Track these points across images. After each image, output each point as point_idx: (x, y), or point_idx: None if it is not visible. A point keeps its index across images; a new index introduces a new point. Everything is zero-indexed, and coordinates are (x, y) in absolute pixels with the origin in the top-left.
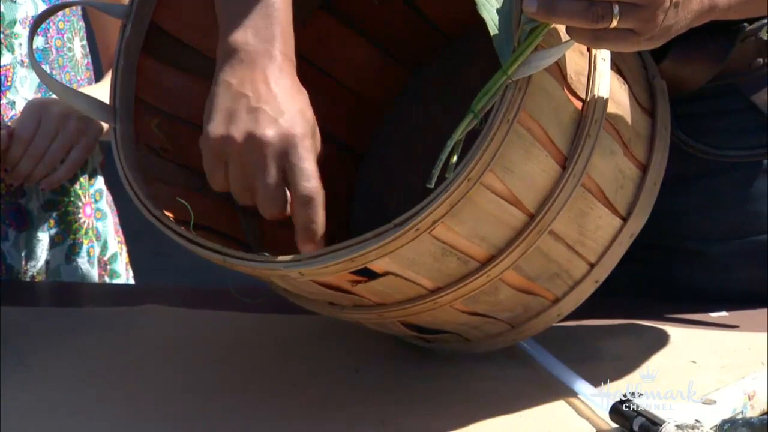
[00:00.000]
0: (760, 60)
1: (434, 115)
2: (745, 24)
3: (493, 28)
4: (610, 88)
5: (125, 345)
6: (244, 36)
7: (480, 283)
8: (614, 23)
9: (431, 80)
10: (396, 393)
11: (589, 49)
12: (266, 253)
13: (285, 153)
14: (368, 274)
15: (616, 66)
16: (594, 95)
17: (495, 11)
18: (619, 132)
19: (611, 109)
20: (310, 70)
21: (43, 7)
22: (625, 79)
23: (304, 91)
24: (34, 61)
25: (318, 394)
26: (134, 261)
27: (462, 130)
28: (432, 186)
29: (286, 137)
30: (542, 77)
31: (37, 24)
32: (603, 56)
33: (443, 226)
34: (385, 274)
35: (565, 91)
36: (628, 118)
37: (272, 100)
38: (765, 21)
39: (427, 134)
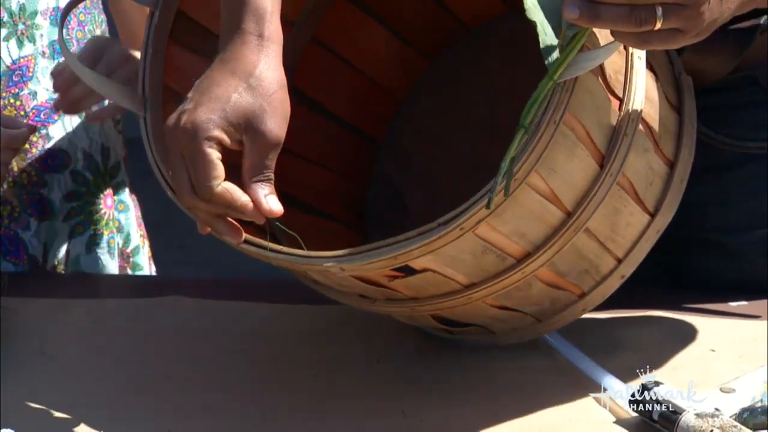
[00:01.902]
0: None
1: (451, 104)
2: (766, 16)
3: (542, 33)
4: (646, 87)
5: (147, 335)
6: None
7: (515, 280)
8: (659, 25)
9: (449, 69)
10: (417, 384)
11: (625, 47)
12: (297, 237)
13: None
14: (407, 271)
15: (649, 63)
16: (631, 94)
17: (543, 16)
18: (651, 129)
19: (645, 107)
20: (329, 56)
21: None
22: (656, 76)
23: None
24: (64, 47)
25: (339, 385)
26: (155, 253)
27: (516, 146)
28: (490, 209)
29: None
30: (585, 76)
31: (66, 12)
32: (639, 54)
33: (487, 225)
34: (424, 270)
35: (605, 90)
36: (660, 116)
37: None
38: None
39: (443, 123)
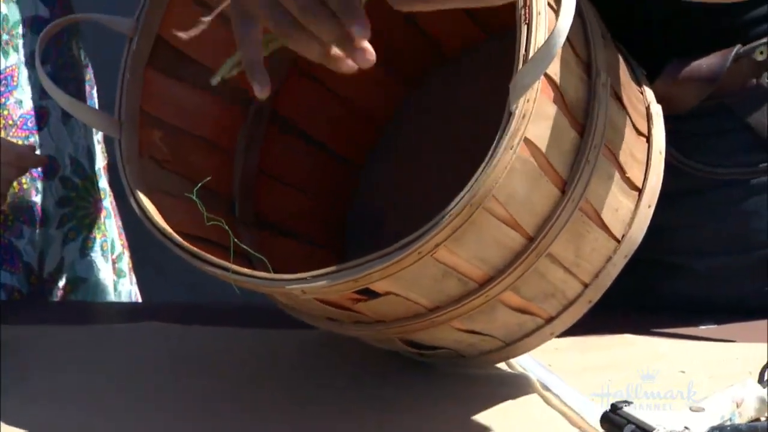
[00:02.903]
0: (754, 80)
1: (432, 131)
2: (739, 45)
3: None
4: (609, 114)
5: (124, 361)
6: None
7: (478, 303)
8: None
9: (429, 95)
10: (392, 404)
11: (588, 74)
12: (265, 259)
13: None
14: (369, 294)
15: (614, 91)
16: (593, 121)
17: None
18: (617, 156)
19: (609, 134)
20: (311, 84)
21: (43, 8)
22: (623, 104)
23: None
24: (42, 74)
25: (316, 405)
26: (141, 276)
27: None
28: None
29: None
30: (544, 103)
31: (43, 39)
32: (603, 82)
33: (445, 249)
34: (386, 294)
35: (566, 117)
36: (625, 143)
37: None
38: (758, 42)
39: (425, 149)
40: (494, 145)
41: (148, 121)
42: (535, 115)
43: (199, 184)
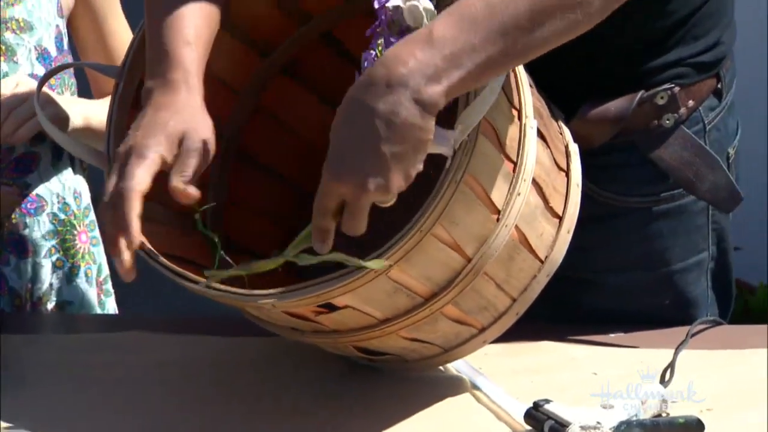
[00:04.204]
0: (656, 121)
1: None
2: (642, 90)
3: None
4: (537, 152)
5: (112, 367)
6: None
7: (423, 316)
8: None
9: None
10: (343, 404)
11: (519, 118)
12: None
13: None
14: (330, 307)
15: (540, 132)
16: (524, 158)
17: None
18: (542, 189)
19: (536, 169)
20: (272, 122)
21: (39, 66)
22: (546, 143)
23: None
24: (41, 113)
25: (277, 406)
26: (120, 293)
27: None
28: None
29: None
30: (484, 144)
31: (42, 82)
32: (531, 125)
33: (398, 269)
34: (345, 307)
35: (501, 155)
36: (549, 177)
37: None
38: (659, 88)
39: None
40: (441, 178)
41: None
42: (475, 152)
43: (198, 214)
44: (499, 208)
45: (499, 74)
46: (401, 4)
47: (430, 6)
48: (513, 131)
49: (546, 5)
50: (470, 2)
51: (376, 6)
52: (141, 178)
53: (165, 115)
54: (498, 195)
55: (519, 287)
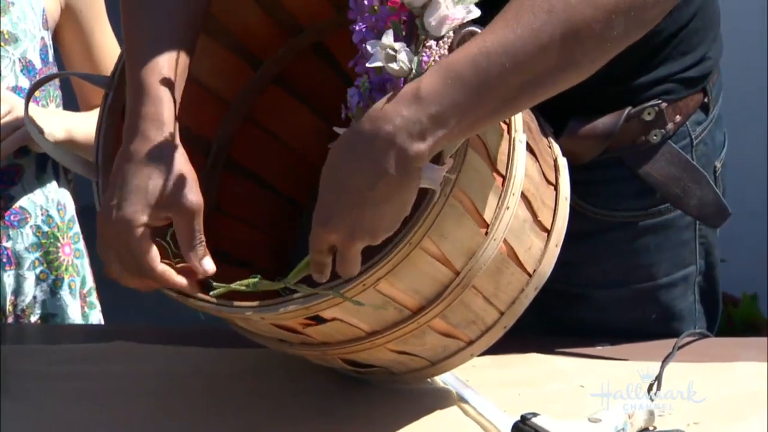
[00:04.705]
0: (643, 137)
1: None
2: (630, 107)
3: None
4: (525, 167)
5: (96, 378)
6: None
7: (411, 329)
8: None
9: None
10: (332, 416)
11: (509, 132)
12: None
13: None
14: (318, 319)
15: (530, 147)
16: (513, 172)
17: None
18: (531, 203)
19: (525, 183)
20: (261, 132)
21: (23, 78)
22: (536, 157)
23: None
24: (29, 122)
25: (266, 416)
26: (105, 303)
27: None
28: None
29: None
30: (473, 158)
31: (31, 91)
32: (520, 139)
33: (386, 282)
34: (332, 319)
35: (491, 169)
36: (538, 191)
37: None
38: (646, 105)
39: None
40: (431, 192)
41: None
42: (465, 166)
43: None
44: (488, 221)
45: (488, 126)
46: (383, 64)
47: (407, 65)
48: (503, 145)
49: (532, 65)
50: (458, 58)
51: (354, 39)
52: (153, 253)
53: (145, 173)
54: (487, 209)
55: (507, 300)
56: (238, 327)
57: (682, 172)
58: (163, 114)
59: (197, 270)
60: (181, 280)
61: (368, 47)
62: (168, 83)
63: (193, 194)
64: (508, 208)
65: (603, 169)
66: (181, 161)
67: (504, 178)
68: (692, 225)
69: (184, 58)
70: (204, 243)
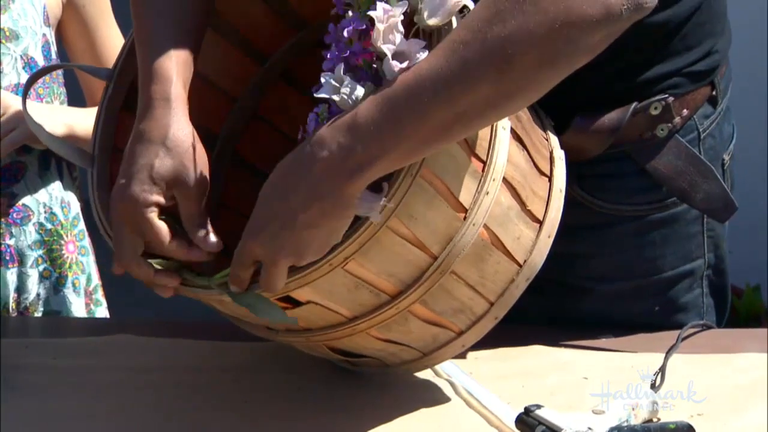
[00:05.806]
0: (650, 132)
1: None
2: (636, 102)
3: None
4: (509, 153)
5: (98, 371)
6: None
7: (391, 314)
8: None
9: None
10: (329, 406)
11: None
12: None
13: None
14: (293, 302)
15: (517, 135)
16: (494, 158)
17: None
18: (518, 191)
19: (509, 170)
20: (269, 129)
21: (25, 76)
22: (525, 146)
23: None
24: (27, 114)
25: (265, 409)
26: (108, 295)
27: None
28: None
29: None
30: None
31: (30, 82)
32: (503, 125)
33: (355, 262)
34: (308, 302)
35: (468, 153)
36: (526, 180)
37: None
38: (653, 99)
39: None
40: (396, 172)
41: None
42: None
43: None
44: (466, 206)
45: (429, 153)
46: (333, 97)
47: (361, 94)
48: (483, 131)
49: (463, 95)
50: (396, 86)
51: (324, 66)
52: (161, 228)
53: (152, 151)
54: (464, 193)
55: (496, 291)
56: (228, 316)
57: (689, 166)
58: (170, 92)
59: (203, 246)
60: (195, 254)
61: (321, 78)
62: (176, 63)
63: (199, 172)
64: (488, 193)
65: (610, 164)
66: (188, 138)
67: (484, 163)
68: (699, 218)
69: (193, 45)
70: (207, 221)
